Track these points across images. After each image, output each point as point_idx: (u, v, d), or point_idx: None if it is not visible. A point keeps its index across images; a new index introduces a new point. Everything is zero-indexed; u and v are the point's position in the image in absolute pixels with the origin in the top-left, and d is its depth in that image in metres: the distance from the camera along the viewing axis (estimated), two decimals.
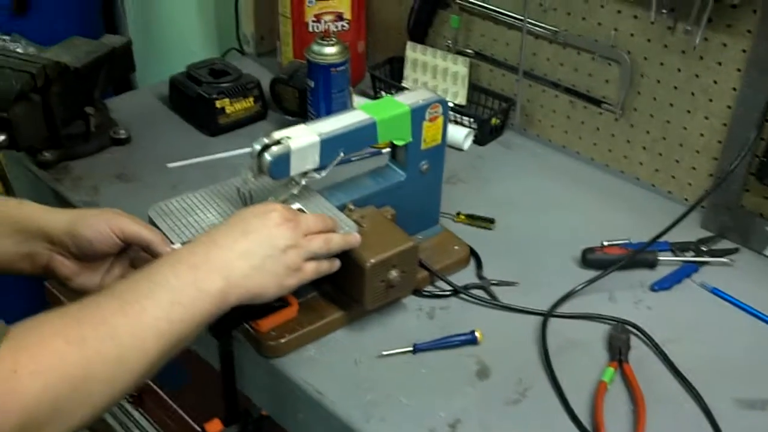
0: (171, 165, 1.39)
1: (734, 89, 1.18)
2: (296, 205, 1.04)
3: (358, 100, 1.52)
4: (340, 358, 1.03)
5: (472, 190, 1.36)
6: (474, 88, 1.52)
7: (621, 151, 1.37)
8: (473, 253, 1.20)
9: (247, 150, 1.40)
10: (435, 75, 1.55)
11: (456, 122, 1.48)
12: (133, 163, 1.40)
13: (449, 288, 1.13)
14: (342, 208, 1.07)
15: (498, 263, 1.19)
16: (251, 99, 1.48)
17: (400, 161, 1.13)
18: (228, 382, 1.08)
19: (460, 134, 1.45)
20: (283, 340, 1.02)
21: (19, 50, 1.43)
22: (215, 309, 0.84)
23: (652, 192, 1.35)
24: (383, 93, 1.58)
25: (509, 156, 1.46)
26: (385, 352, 1.03)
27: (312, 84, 1.36)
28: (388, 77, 1.61)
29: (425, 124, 1.09)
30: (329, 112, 1.37)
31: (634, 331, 1.08)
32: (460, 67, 1.51)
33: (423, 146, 1.11)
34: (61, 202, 1.32)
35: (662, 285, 1.15)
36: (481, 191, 1.36)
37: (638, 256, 1.16)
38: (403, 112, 1.06)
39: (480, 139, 1.47)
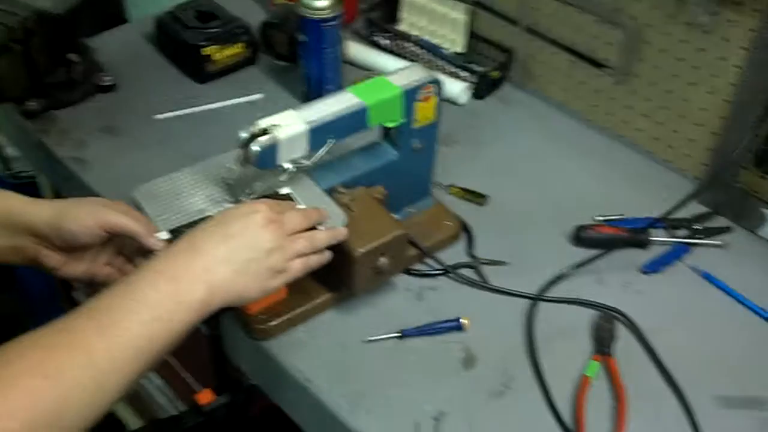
0: (158, 117, 1.36)
1: (738, 67, 1.14)
2: (285, 190, 1.02)
3: (351, 47, 1.47)
4: (329, 341, 1.04)
5: (467, 154, 1.33)
6: (473, 36, 1.47)
7: (620, 115, 1.33)
8: (465, 228, 1.19)
9: (232, 102, 1.39)
10: (432, 20, 1.49)
11: (453, 75, 1.44)
12: (120, 113, 1.36)
13: (439, 267, 1.13)
14: (331, 190, 1.05)
15: (489, 239, 1.18)
16: (240, 45, 1.42)
17: (392, 139, 1.10)
18: (217, 359, 1.09)
19: (457, 88, 1.41)
20: (272, 323, 1.02)
21: None
22: (197, 318, 0.83)
23: (649, 159, 1.33)
24: (376, 36, 1.52)
25: (507, 113, 1.42)
26: (371, 338, 1.04)
27: (304, 38, 1.31)
28: (384, 18, 1.54)
29: (418, 104, 1.06)
30: (321, 66, 1.33)
31: (621, 318, 1.08)
32: (459, 14, 1.45)
33: (415, 125, 1.08)
34: (49, 156, 1.29)
35: (652, 267, 1.15)
36: (477, 155, 1.33)
37: (631, 237, 1.16)
38: (395, 95, 1.03)
39: (478, 94, 1.43)
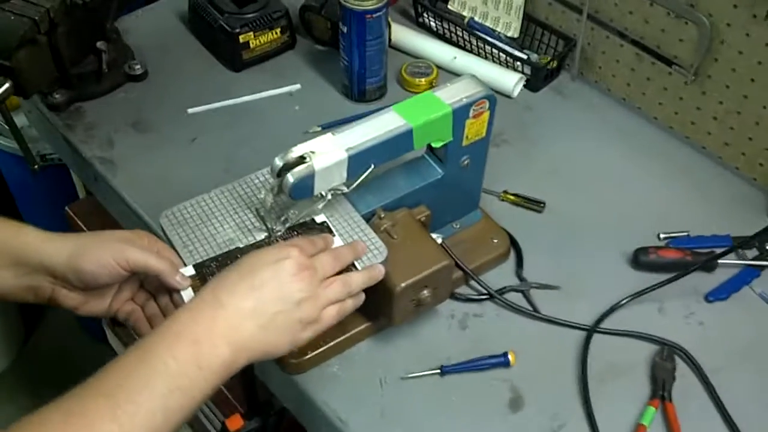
0: (191, 111, 1.29)
1: None
2: (321, 218, 0.94)
3: (396, 31, 1.37)
4: (365, 376, 0.98)
5: (519, 155, 1.23)
6: (529, 19, 1.35)
7: (688, 116, 1.22)
8: (514, 244, 1.10)
9: (269, 93, 1.30)
10: (486, 1, 1.37)
11: (506, 64, 1.33)
12: (150, 106, 1.28)
13: (484, 292, 1.05)
14: (371, 215, 0.97)
15: (541, 256, 1.10)
16: (278, 30, 1.33)
17: (438, 156, 1.01)
18: (247, 385, 1.04)
19: (510, 81, 1.30)
20: (305, 357, 0.97)
21: None
22: (219, 381, 0.76)
23: (718, 166, 1.22)
24: (425, 16, 1.41)
25: (563, 107, 1.31)
26: (410, 375, 0.97)
27: (345, 29, 1.21)
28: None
29: (468, 121, 0.96)
30: (364, 60, 1.23)
31: (682, 355, 1.00)
32: None
33: (464, 143, 0.99)
34: (76, 154, 1.23)
35: (718, 295, 1.06)
36: (529, 156, 1.23)
37: (696, 261, 1.06)
38: (444, 114, 0.93)
39: (533, 85, 1.32)
